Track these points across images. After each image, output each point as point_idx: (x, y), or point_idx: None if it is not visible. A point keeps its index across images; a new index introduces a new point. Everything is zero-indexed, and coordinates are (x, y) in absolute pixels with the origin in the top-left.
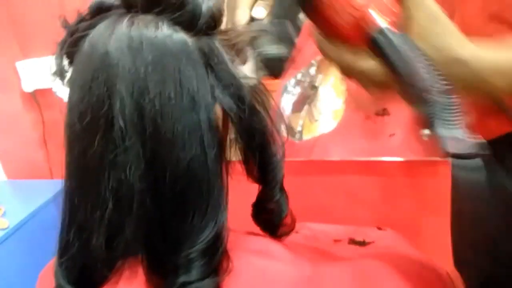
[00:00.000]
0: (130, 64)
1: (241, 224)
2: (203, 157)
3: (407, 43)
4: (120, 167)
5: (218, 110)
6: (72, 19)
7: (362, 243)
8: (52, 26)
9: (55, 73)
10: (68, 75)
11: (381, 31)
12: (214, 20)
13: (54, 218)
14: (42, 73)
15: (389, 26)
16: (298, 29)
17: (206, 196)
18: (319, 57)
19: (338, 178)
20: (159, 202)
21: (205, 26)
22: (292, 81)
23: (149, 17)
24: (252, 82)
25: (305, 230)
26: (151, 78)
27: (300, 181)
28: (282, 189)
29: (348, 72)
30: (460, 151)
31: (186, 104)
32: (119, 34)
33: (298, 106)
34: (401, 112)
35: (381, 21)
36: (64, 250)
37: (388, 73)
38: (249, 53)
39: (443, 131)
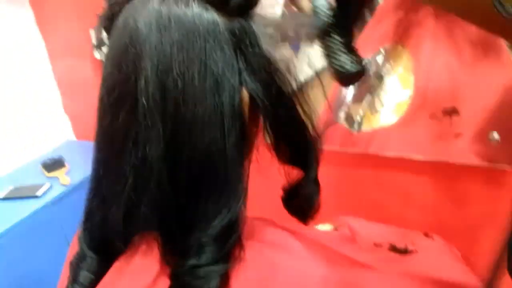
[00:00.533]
0: (156, 41)
1: (268, 210)
2: (221, 142)
3: None
4: (141, 145)
5: (245, 95)
6: None
7: (403, 251)
8: None
9: (94, 46)
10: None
11: None
12: (249, 1)
13: None
14: None
15: None
16: (373, 10)
17: (221, 182)
18: (388, 44)
19: (393, 175)
20: (175, 183)
21: (239, 6)
22: None
23: None
24: (285, 67)
25: (345, 229)
26: (176, 57)
27: (354, 174)
28: (315, 177)
29: None
30: None
31: (209, 86)
32: (149, 10)
33: (360, 95)
34: (471, 113)
35: None
36: (87, 218)
37: None
38: (321, 56)
39: None
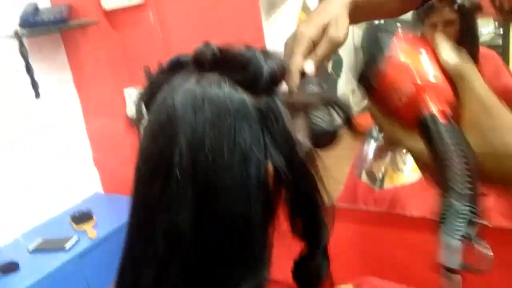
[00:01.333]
0: (191, 119)
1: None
2: (247, 211)
3: (453, 134)
4: (173, 212)
5: (270, 168)
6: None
7: None
8: (156, 60)
9: (134, 119)
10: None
11: (431, 117)
12: (275, 81)
13: None
14: None
15: (439, 113)
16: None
17: (247, 249)
18: None
19: (417, 235)
20: (203, 248)
21: (265, 86)
22: None
23: (214, 76)
24: (307, 143)
25: (366, 286)
26: (208, 134)
27: (377, 232)
28: (325, 251)
29: (397, 146)
30: (448, 265)
31: (237, 160)
32: (186, 90)
33: (382, 153)
34: None
35: (433, 106)
36: (119, 280)
37: (431, 158)
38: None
39: (444, 237)
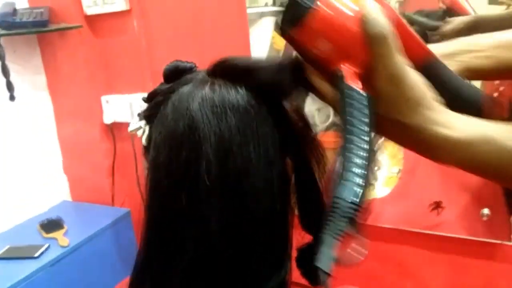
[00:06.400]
0: (215, 128)
1: None
2: (273, 210)
3: (360, 105)
4: (202, 222)
5: (289, 162)
6: (157, 66)
7: None
8: (137, 68)
9: (145, 140)
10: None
11: (342, 79)
12: (282, 87)
13: (110, 244)
14: (122, 108)
15: (350, 76)
16: None
17: (274, 247)
18: None
19: (389, 246)
20: (232, 254)
21: (275, 92)
22: None
23: (227, 83)
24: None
25: None
26: (235, 140)
27: None
28: None
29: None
30: (321, 265)
31: (262, 162)
32: (203, 99)
33: None
34: (462, 189)
35: (347, 70)
36: None
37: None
38: None
39: (325, 237)
